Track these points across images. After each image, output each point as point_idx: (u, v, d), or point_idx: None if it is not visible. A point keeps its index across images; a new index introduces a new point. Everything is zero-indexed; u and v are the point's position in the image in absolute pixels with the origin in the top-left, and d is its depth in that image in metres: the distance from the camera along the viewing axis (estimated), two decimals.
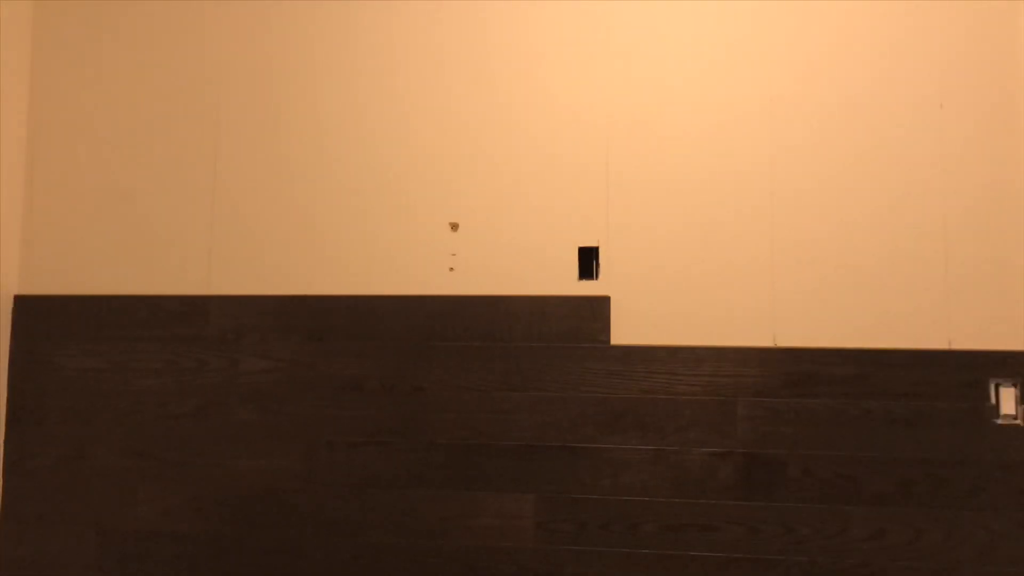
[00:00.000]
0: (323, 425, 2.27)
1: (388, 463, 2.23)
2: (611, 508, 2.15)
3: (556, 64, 2.30)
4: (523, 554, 2.17)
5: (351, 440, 2.25)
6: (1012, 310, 2.07)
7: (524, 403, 2.20)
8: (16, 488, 2.37)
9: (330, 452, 2.26)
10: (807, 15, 2.21)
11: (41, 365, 2.39)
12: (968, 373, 2.07)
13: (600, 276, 2.22)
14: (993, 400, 2.05)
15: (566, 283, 2.23)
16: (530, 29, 2.31)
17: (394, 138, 2.34)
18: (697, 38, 2.25)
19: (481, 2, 2.33)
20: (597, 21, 2.29)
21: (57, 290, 2.41)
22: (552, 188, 2.27)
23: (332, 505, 2.25)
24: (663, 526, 2.13)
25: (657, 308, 2.19)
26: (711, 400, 2.14)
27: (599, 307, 2.20)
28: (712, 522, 2.12)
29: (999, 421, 2.04)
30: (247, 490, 2.26)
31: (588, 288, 2.22)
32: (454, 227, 2.30)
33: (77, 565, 2.32)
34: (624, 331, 2.19)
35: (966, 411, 2.06)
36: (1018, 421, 2.04)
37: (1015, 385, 2.04)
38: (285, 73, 2.40)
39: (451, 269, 2.28)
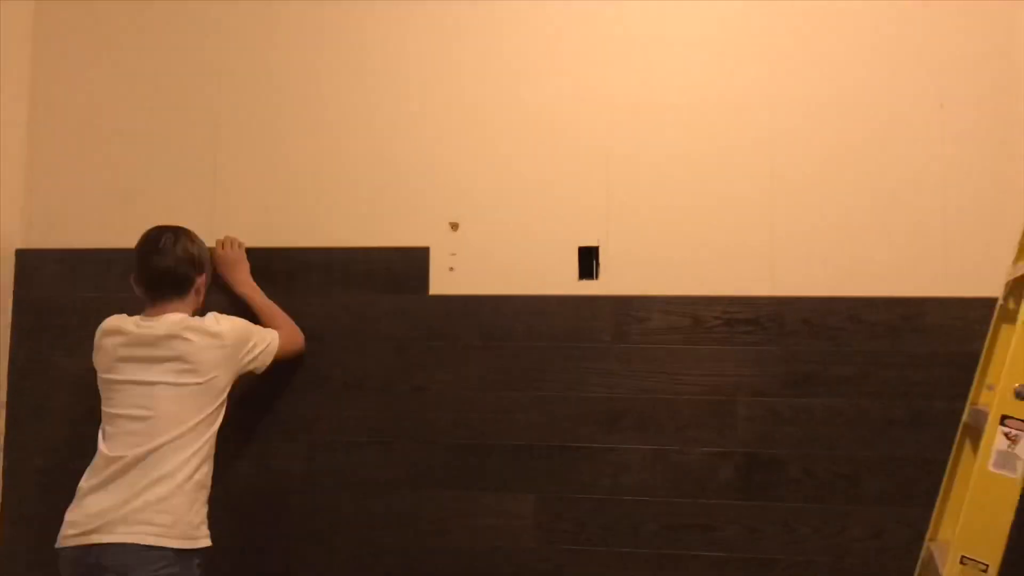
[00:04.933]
0: (323, 425, 2.27)
1: (388, 463, 2.23)
2: (611, 508, 2.15)
3: (556, 64, 2.29)
4: (523, 554, 2.17)
5: (351, 440, 2.25)
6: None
7: (524, 403, 2.20)
8: (16, 488, 2.37)
9: (330, 452, 2.25)
10: (807, 15, 2.21)
11: (41, 365, 2.39)
12: (968, 373, 2.07)
13: (600, 276, 2.22)
14: None
15: (566, 283, 2.23)
16: (530, 29, 2.31)
17: (394, 137, 2.34)
18: (697, 38, 2.25)
19: (482, 3, 2.33)
20: (597, 21, 2.28)
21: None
22: (552, 188, 2.27)
23: (332, 505, 2.25)
24: (663, 526, 2.13)
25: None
26: (711, 400, 2.14)
27: (599, 307, 2.20)
28: (712, 522, 2.12)
29: None
30: (247, 490, 2.26)
31: (588, 288, 2.22)
32: (454, 227, 2.30)
33: None
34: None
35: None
36: None
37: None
38: (287, 72, 2.40)
39: (451, 269, 2.28)
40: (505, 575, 2.17)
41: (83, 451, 2.36)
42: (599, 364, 2.18)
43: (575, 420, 2.18)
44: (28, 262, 2.43)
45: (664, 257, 2.21)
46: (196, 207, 2.39)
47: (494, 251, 2.27)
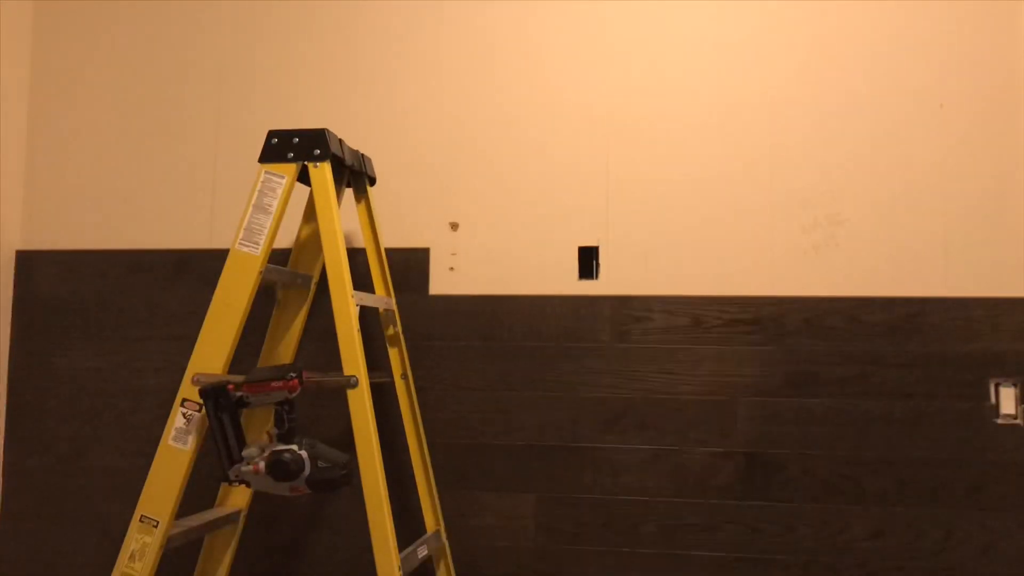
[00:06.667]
0: (323, 424, 2.26)
1: (388, 462, 2.23)
2: (611, 508, 2.15)
3: (556, 64, 2.30)
4: (523, 554, 2.17)
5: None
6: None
7: (524, 403, 2.20)
8: (16, 488, 2.37)
9: None
10: (807, 14, 2.21)
11: (41, 365, 2.39)
12: (968, 373, 2.07)
13: (600, 276, 2.22)
14: (993, 400, 2.05)
15: (566, 283, 2.23)
16: (530, 28, 2.31)
17: (394, 137, 2.34)
18: (697, 38, 2.25)
19: (481, 2, 2.33)
20: (597, 21, 2.29)
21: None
22: (552, 188, 2.27)
23: (332, 504, 2.24)
24: (663, 526, 2.13)
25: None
26: (711, 400, 2.14)
27: (599, 307, 2.20)
28: (712, 522, 2.12)
29: (999, 421, 2.04)
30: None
31: (588, 288, 2.22)
32: (454, 227, 2.30)
33: (77, 565, 2.32)
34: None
35: (966, 411, 2.06)
36: (1018, 421, 2.04)
37: (1015, 385, 2.04)
38: (284, 71, 2.40)
39: (451, 269, 2.28)
40: (505, 575, 2.17)
41: (83, 451, 2.37)
42: (599, 364, 2.18)
43: (575, 420, 2.18)
44: (28, 262, 2.43)
45: (664, 257, 2.21)
46: (196, 208, 2.39)
47: (494, 251, 2.27)
